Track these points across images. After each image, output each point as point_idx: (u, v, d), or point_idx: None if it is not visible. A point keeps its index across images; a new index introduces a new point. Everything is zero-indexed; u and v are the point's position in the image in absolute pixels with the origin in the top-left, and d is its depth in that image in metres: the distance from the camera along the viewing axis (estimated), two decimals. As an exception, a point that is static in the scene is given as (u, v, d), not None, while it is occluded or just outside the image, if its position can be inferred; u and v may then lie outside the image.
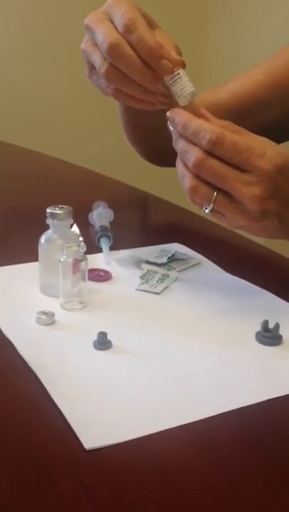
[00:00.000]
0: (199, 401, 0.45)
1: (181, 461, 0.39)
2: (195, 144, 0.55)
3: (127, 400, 0.45)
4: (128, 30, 0.55)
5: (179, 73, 0.58)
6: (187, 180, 0.56)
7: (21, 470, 0.38)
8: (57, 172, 1.17)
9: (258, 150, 0.54)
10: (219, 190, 0.55)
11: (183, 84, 0.58)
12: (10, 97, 2.24)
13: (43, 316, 0.55)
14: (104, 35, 0.56)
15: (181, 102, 0.58)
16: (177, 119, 0.57)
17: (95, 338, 0.51)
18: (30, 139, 1.70)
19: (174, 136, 0.58)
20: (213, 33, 2.49)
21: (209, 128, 0.54)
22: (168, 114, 0.58)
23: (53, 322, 0.55)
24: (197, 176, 0.55)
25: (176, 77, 0.58)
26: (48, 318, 0.55)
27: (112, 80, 0.58)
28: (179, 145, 0.57)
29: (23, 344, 0.51)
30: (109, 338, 0.52)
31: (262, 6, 2.22)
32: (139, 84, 0.58)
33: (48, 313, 0.55)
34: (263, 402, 0.45)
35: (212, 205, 0.55)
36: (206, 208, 0.56)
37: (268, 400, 0.45)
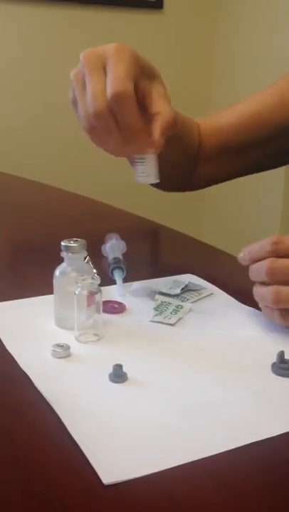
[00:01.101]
0: (217, 434, 0.45)
1: (199, 496, 0.38)
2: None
3: (144, 434, 0.44)
4: (115, 102, 0.57)
5: (143, 158, 0.62)
6: (268, 292, 0.57)
7: (39, 505, 0.38)
8: (69, 205, 1.19)
9: None
10: None
11: (144, 170, 0.62)
12: (21, 132, 2.28)
13: (59, 349, 0.55)
14: (93, 95, 0.58)
15: (138, 181, 0.63)
16: (242, 256, 0.61)
17: (111, 370, 0.52)
18: (41, 173, 1.72)
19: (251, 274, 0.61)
20: (222, 56, 2.52)
21: (268, 238, 0.58)
22: (240, 257, 0.62)
23: (69, 355, 0.55)
24: (274, 283, 0.57)
25: (139, 160, 0.62)
26: (63, 351, 0.55)
27: (91, 135, 0.61)
28: (252, 270, 0.60)
29: (39, 377, 0.51)
30: (124, 370, 0.52)
31: (269, 29, 2.25)
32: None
33: (63, 345, 0.55)
34: (282, 435, 0.45)
35: None
36: None
37: (287, 433, 0.45)
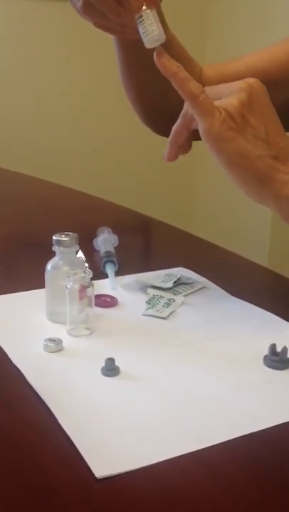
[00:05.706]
0: (209, 427, 0.45)
1: (193, 488, 0.39)
2: None
3: (137, 427, 0.44)
4: None
5: (141, 15, 0.58)
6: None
7: (33, 498, 0.38)
8: (61, 198, 1.18)
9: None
10: None
11: (145, 28, 0.58)
12: (12, 124, 2.27)
13: (51, 343, 0.55)
14: None
15: (147, 45, 0.58)
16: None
17: (103, 364, 0.51)
18: (32, 166, 1.71)
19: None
20: (214, 47, 2.51)
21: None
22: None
23: (61, 349, 0.55)
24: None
25: (139, 19, 0.58)
26: (55, 345, 0.55)
27: (89, 16, 0.60)
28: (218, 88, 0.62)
29: (32, 372, 0.51)
30: (116, 364, 0.52)
31: (261, 20, 2.24)
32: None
33: (55, 340, 0.55)
34: (274, 426, 0.45)
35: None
36: None
37: (279, 425, 0.45)
